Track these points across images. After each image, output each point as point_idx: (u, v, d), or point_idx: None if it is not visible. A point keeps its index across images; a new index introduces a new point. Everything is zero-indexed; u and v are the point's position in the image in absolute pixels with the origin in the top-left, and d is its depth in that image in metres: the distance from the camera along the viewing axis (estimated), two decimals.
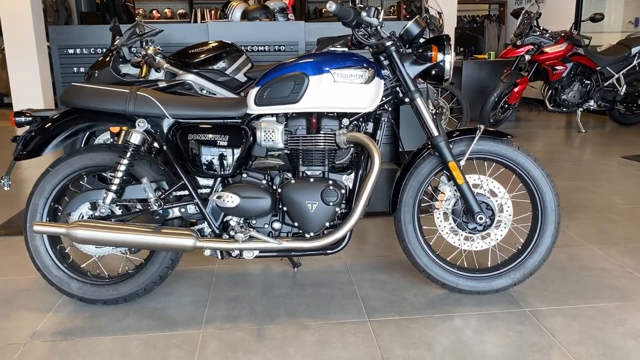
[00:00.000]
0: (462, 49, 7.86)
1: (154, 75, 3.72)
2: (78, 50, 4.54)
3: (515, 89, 6.36)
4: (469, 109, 5.86)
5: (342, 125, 2.26)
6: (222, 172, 2.23)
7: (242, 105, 2.28)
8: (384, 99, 2.30)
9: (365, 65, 2.21)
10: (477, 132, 2.31)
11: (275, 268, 2.72)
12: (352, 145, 2.27)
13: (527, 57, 6.37)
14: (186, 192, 2.28)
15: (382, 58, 2.31)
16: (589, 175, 4.40)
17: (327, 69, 2.18)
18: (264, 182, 2.26)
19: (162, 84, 3.19)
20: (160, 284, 2.37)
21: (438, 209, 2.42)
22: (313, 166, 2.26)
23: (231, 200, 2.19)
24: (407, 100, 2.31)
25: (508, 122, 7.14)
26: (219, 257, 2.27)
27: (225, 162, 2.22)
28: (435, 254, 2.40)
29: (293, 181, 2.21)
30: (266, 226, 2.27)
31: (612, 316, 2.18)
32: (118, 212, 2.30)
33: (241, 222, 2.26)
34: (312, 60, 2.21)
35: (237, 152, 2.22)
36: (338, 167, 2.36)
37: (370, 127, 2.32)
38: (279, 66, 2.27)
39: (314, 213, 2.19)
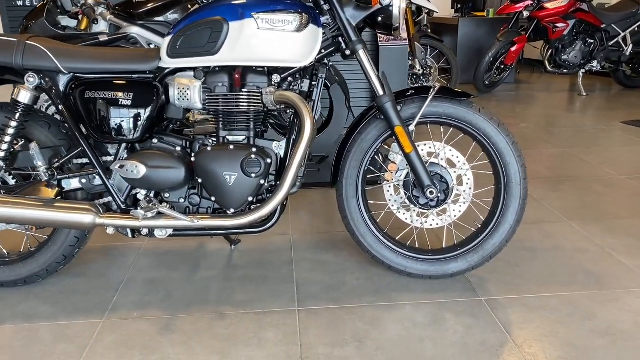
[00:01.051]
0: (459, 5, 7.36)
1: (96, 28, 3.36)
2: (27, 2, 4.17)
3: (513, 49, 5.92)
4: (459, 70, 5.45)
5: (272, 83, 1.91)
6: (127, 137, 1.90)
7: (154, 58, 1.94)
8: (323, 51, 1.94)
9: (298, 9, 1.85)
10: (431, 91, 1.96)
11: (211, 246, 2.42)
12: (284, 107, 1.93)
13: (526, 14, 5.90)
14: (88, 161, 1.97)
15: (322, 2, 1.94)
16: (583, 142, 4.03)
17: (250, 13, 1.83)
18: (179, 149, 1.94)
19: (103, 38, 2.83)
20: (65, 265, 2.09)
21: (388, 181, 2.10)
22: (235, 131, 1.93)
23: (136, 170, 1.88)
24: (348, 52, 1.95)
25: (505, 84, 6.71)
26: (130, 235, 1.97)
27: (130, 124, 1.89)
28: (383, 233, 2.09)
29: (209, 148, 1.88)
30: (182, 200, 1.96)
31: (580, 308, 1.87)
32: (12, 182, 1.99)
33: (151, 196, 1.95)
34: (233, 2, 1.85)
35: (145, 112, 1.89)
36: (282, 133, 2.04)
37: (312, 86, 1.97)
38: (197, 9, 1.91)
39: (233, 186, 1.87)
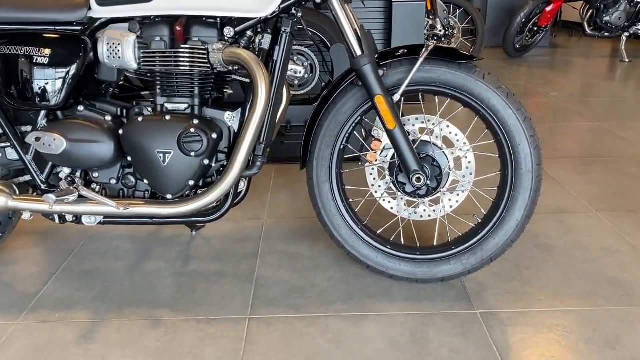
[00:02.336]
0: None
1: None
2: None
3: (548, 8, 5.34)
4: (484, 31, 4.92)
5: (224, 39, 1.54)
6: (46, 102, 1.56)
7: (83, 6, 1.58)
8: None
9: None
10: (423, 51, 1.55)
11: (169, 231, 2.09)
12: (237, 68, 1.55)
13: None
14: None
15: None
16: (621, 116, 3.53)
17: None
18: (109, 118, 1.59)
19: None
20: None
21: (370, 162, 1.71)
22: (175, 97, 1.56)
23: (54, 143, 1.54)
24: (319, 0, 1.55)
25: (538, 48, 6.12)
26: (57, 221, 1.65)
27: (50, 87, 1.55)
28: (361, 225, 1.72)
29: (140, 119, 1.52)
30: (113, 182, 1.62)
31: (601, 330, 1.48)
32: None
33: (77, 175, 1.62)
34: None
35: (69, 73, 1.54)
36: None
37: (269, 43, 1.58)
38: None
39: (167, 167, 1.52)
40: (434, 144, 1.65)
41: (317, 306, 1.61)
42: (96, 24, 1.59)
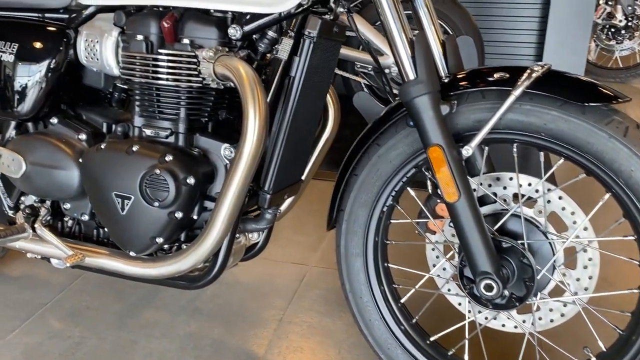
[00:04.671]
0: None
1: None
2: None
3: None
4: None
5: (229, 41, 1.08)
6: (11, 111, 1.23)
7: None
8: None
9: None
10: (522, 79, 0.93)
11: None
12: (226, 83, 1.09)
13: None
14: None
15: None
16: None
17: None
18: (83, 137, 1.21)
19: None
20: None
21: (433, 233, 1.15)
22: (156, 120, 1.14)
23: (13, 164, 1.21)
24: None
25: None
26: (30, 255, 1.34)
27: (20, 90, 1.22)
28: (405, 326, 1.17)
29: (102, 146, 1.12)
30: (85, 218, 1.25)
31: None
32: None
33: (45, 204, 1.28)
34: None
35: (42, 74, 1.20)
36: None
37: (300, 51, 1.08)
38: None
39: (127, 216, 1.10)
40: (531, 222, 1.03)
41: None
42: (86, 12, 1.22)
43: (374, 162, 1.10)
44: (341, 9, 1.10)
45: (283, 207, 1.36)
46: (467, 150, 0.96)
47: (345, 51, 2.33)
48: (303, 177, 1.28)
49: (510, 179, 1.06)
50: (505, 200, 1.07)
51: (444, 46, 1.12)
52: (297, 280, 1.63)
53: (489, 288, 0.98)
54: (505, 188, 1.07)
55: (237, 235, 1.20)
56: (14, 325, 1.45)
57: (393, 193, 1.11)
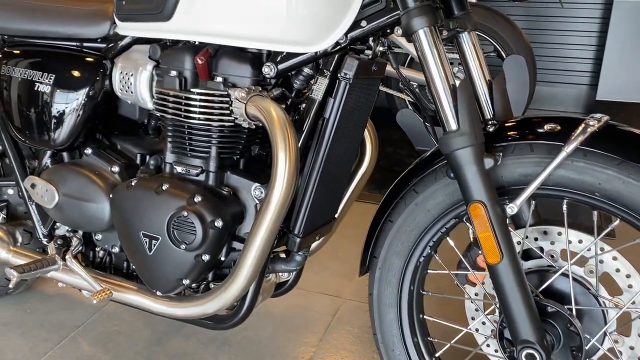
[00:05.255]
0: None
1: None
2: None
3: None
4: None
5: (263, 80, 1.04)
6: (49, 139, 1.23)
7: (106, 18, 1.21)
8: (364, 23, 0.98)
9: None
10: (576, 132, 0.85)
11: None
12: (258, 123, 1.05)
13: None
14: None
15: None
16: None
17: None
18: (116, 169, 1.20)
19: None
20: (15, 291, 1.59)
21: (473, 285, 1.08)
22: (187, 157, 1.11)
23: (46, 195, 1.21)
24: (399, 32, 0.95)
25: None
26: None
27: (56, 120, 1.21)
28: None
29: (133, 183, 1.10)
30: (116, 249, 1.23)
31: None
32: None
33: (77, 234, 1.27)
34: None
35: (78, 104, 1.19)
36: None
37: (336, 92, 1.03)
38: None
39: (154, 256, 1.08)
40: (580, 283, 0.95)
41: None
42: (122, 43, 1.20)
43: (410, 210, 1.03)
44: (381, 48, 1.05)
45: (314, 245, 1.31)
46: (511, 209, 0.89)
47: (389, 68, 2.28)
48: (336, 215, 1.24)
49: (559, 233, 0.98)
50: (552, 257, 0.99)
51: (491, 88, 1.05)
52: (329, 314, 1.58)
53: (530, 358, 0.90)
54: (552, 243, 0.99)
55: (267, 274, 1.17)
56: (47, 347, 1.46)
57: (431, 243, 1.05)
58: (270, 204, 0.95)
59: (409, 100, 2.77)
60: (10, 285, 1.14)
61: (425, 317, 1.12)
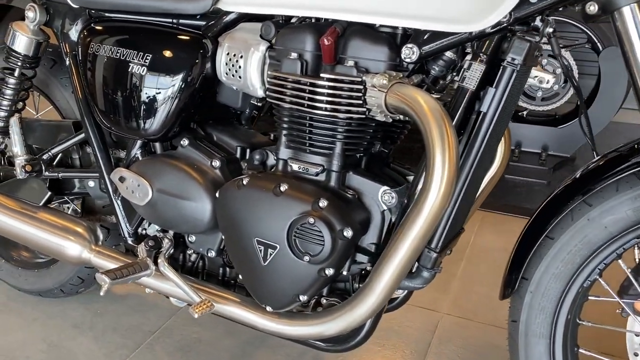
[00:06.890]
0: None
1: None
2: None
3: None
4: None
5: (400, 64, 0.88)
6: (138, 130, 1.08)
7: None
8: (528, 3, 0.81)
9: None
10: None
11: None
12: (400, 118, 0.88)
13: None
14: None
15: None
16: None
17: None
18: (217, 164, 1.05)
19: None
20: (86, 289, 1.47)
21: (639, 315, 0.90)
22: (306, 153, 0.95)
23: (138, 190, 1.07)
24: (593, 8, 0.77)
25: None
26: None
27: (145, 108, 1.07)
28: None
29: (244, 182, 0.95)
30: (212, 253, 1.08)
31: None
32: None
33: (168, 234, 1.13)
34: None
35: (174, 90, 1.04)
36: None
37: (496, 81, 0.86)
38: None
39: (269, 268, 0.93)
40: None
41: None
42: (225, 20, 1.05)
43: (580, 226, 0.86)
44: (549, 29, 0.87)
45: None
46: None
47: None
48: (464, 226, 1.07)
49: None
50: None
51: None
52: (429, 330, 1.42)
53: None
54: None
55: None
56: (122, 355, 1.33)
57: (601, 266, 0.87)
58: (420, 214, 0.79)
59: None
60: (101, 293, 1.00)
61: (580, 350, 0.95)
